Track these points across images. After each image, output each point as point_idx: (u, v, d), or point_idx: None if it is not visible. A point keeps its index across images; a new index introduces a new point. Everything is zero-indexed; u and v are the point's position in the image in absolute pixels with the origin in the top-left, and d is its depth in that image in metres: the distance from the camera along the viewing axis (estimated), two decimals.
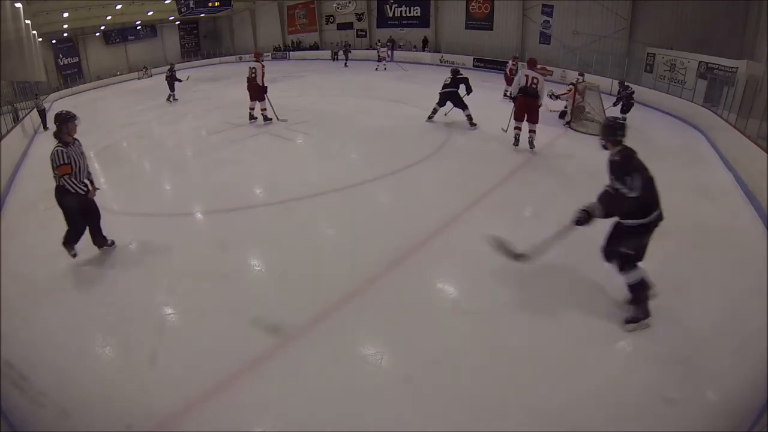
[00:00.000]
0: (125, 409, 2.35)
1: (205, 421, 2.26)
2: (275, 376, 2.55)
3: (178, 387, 2.46)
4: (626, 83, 9.42)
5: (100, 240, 4.05)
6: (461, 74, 8.17)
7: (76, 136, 3.78)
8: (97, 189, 3.99)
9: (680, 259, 3.80)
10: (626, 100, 8.96)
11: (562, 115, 8.74)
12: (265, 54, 25.32)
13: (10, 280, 3.64)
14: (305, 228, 4.52)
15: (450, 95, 8.08)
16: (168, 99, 13.16)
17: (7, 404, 2.35)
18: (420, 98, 10.28)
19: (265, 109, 8.73)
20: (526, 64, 7.58)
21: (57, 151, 3.60)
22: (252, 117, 8.92)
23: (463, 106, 8.04)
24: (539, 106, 6.63)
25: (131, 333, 2.96)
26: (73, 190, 3.70)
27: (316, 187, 5.37)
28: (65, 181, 3.63)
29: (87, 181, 3.86)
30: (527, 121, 6.66)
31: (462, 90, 8.04)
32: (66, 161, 3.61)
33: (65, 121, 3.68)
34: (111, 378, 2.59)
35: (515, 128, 6.83)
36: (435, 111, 8.42)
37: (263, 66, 8.45)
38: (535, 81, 6.47)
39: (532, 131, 6.69)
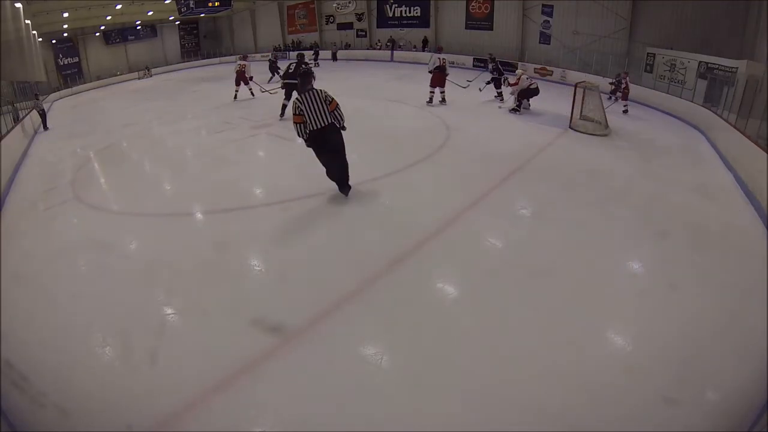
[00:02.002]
0: (125, 409, 2.35)
1: (205, 421, 2.26)
2: (275, 376, 2.55)
3: (178, 387, 2.45)
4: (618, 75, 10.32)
5: None
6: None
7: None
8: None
9: (680, 258, 3.80)
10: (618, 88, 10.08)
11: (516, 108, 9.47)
12: (264, 54, 26.34)
13: (10, 280, 3.64)
14: (305, 228, 4.52)
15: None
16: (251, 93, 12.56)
17: (7, 404, 2.35)
18: (420, 98, 10.28)
19: (251, 88, 12.07)
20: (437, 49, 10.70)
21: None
22: (235, 97, 12.07)
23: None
24: (446, 76, 9.92)
25: (131, 333, 2.96)
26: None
27: (316, 187, 5.36)
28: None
29: None
30: (438, 86, 9.90)
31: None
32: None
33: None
34: (111, 378, 2.59)
35: (430, 92, 10.01)
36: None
37: (248, 64, 12.15)
38: (443, 61, 9.67)
39: (442, 92, 10.05)
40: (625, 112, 9.86)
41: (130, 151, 8.48)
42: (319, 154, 4.60)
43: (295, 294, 3.36)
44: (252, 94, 12.14)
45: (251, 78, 11.90)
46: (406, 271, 3.58)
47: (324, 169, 4.88)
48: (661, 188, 5.39)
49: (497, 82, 10.59)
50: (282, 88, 9.46)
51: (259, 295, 3.41)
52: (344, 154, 4.62)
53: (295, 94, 6.13)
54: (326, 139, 4.42)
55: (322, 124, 4.35)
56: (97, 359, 2.79)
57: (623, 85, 10.02)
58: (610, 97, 10.29)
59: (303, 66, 13.77)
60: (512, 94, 9.68)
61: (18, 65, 12.98)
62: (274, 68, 15.17)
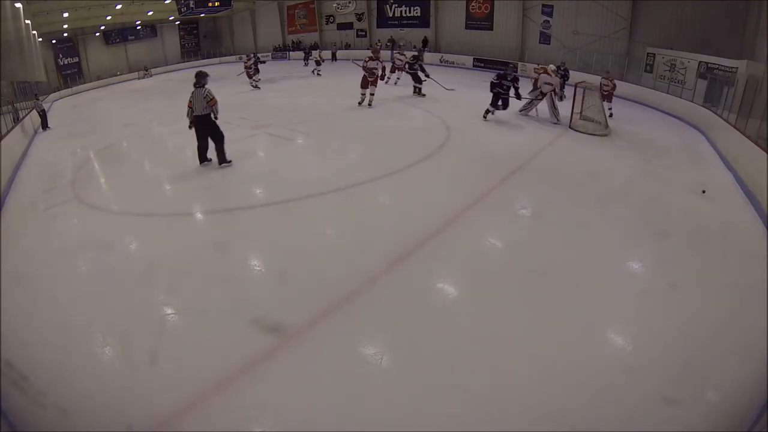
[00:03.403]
0: (125, 409, 2.35)
1: (205, 421, 2.25)
2: (275, 376, 2.54)
3: (178, 387, 2.45)
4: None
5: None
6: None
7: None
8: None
9: (680, 258, 3.80)
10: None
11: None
12: (264, 54, 26.77)
13: (10, 280, 3.64)
14: (305, 228, 4.52)
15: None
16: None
17: (7, 404, 2.35)
18: (420, 98, 10.28)
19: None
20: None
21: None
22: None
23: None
24: (375, 78, 10.01)
25: (131, 333, 2.96)
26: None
27: (316, 187, 5.36)
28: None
29: None
30: (363, 87, 10.00)
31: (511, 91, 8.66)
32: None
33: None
34: (111, 378, 2.59)
35: (361, 93, 10.10)
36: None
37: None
38: (368, 60, 9.96)
39: (371, 94, 10.08)
40: (611, 116, 9.00)
41: (130, 151, 8.48)
42: (196, 134, 6.15)
43: (295, 294, 3.36)
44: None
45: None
46: (406, 271, 3.58)
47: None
48: (661, 188, 5.39)
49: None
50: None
51: (259, 295, 3.41)
52: (216, 137, 6.12)
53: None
54: (201, 124, 5.96)
55: (200, 113, 5.85)
56: (97, 359, 2.79)
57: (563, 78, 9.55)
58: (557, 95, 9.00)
59: (258, 63, 15.37)
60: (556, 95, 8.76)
61: (18, 65, 12.98)
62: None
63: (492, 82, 8.59)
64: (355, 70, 18.48)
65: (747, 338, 2.75)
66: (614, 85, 9.39)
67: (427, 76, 11.23)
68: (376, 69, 9.99)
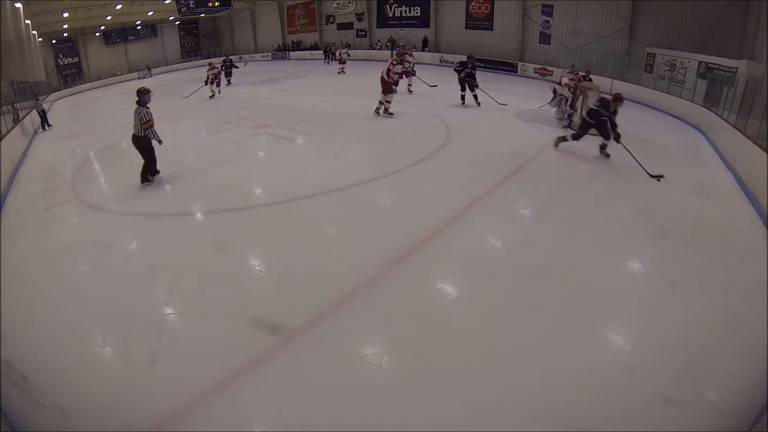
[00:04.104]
0: (126, 409, 2.35)
1: (205, 421, 2.26)
2: (275, 376, 2.55)
3: (179, 387, 2.45)
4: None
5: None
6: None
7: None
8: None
9: (680, 258, 3.80)
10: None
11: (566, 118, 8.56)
12: (264, 54, 27.94)
13: (10, 280, 3.64)
14: (305, 228, 4.52)
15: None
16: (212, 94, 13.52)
17: (7, 404, 2.35)
18: (420, 98, 10.28)
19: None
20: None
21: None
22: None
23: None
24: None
25: (131, 333, 2.96)
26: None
27: (316, 187, 5.37)
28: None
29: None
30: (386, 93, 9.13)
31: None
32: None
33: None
34: (111, 378, 2.59)
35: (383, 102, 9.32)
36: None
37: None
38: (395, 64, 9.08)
39: (387, 101, 9.11)
40: (567, 126, 8.26)
41: (130, 151, 8.42)
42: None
43: (295, 294, 3.36)
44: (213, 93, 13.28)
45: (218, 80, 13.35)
46: (406, 271, 3.58)
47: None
48: (661, 188, 5.39)
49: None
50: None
51: (259, 295, 3.41)
52: (145, 155, 5.86)
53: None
54: (136, 143, 5.75)
55: (136, 133, 5.65)
56: (97, 359, 2.79)
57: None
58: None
59: (230, 67, 15.00)
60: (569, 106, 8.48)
61: (18, 65, 13.00)
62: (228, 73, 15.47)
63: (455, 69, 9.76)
64: (355, 70, 18.57)
65: (747, 338, 2.75)
66: (580, 78, 8.95)
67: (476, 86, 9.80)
68: (398, 74, 9.00)
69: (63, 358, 2.75)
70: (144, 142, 5.65)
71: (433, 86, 11.68)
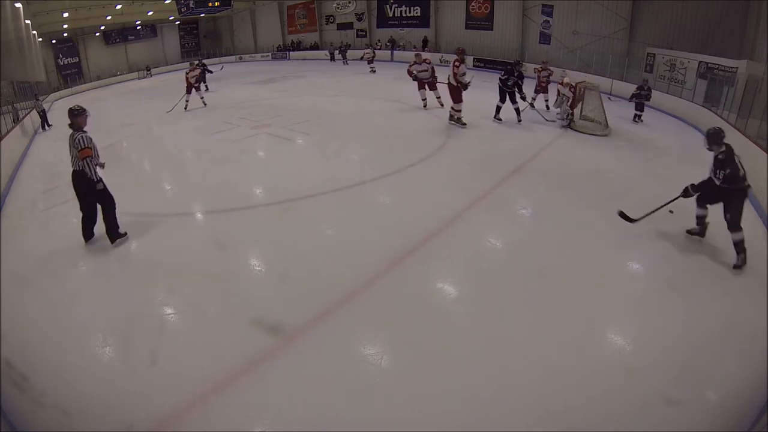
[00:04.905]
0: (126, 409, 2.34)
1: (205, 421, 2.26)
2: (275, 376, 2.55)
3: (179, 387, 2.45)
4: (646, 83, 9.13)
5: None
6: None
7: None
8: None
9: (680, 258, 3.79)
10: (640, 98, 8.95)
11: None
12: (264, 54, 28.04)
13: (10, 280, 3.64)
14: (305, 228, 4.52)
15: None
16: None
17: (7, 404, 2.35)
18: (420, 98, 10.25)
19: (202, 97, 11.96)
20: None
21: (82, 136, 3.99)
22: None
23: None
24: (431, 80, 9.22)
25: (131, 333, 2.96)
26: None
27: (316, 187, 5.37)
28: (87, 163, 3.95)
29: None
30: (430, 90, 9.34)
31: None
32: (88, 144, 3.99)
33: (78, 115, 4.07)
34: (111, 378, 2.59)
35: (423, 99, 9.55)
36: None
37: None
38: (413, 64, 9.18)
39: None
40: (547, 108, 9.08)
41: (130, 151, 8.48)
42: (77, 195, 4.15)
43: (295, 294, 3.36)
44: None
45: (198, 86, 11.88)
46: (406, 271, 3.58)
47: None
48: (661, 188, 5.38)
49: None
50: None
51: (259, 295, 3.41)
52: (102, 202, 4.14)
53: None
54: (78, 182, 4.04)
55: (75, 168, 4.02)
56: (97, 359, 2.79)
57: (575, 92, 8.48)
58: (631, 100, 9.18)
59: (204, 72, 13.47)
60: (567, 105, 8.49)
61: (18, 65, 13.00)
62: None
63: (500, 79, 8.38)
64: (355, 70, 18.58)
65: (747, 338, 2.75)
66: (551, 72, 9.50)
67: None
68: (427, 71, 8.92)
69: (63, 358, 2.75)
70: (87, 180, 4.00)
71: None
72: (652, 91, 9.27)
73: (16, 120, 10.40)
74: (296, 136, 8.14)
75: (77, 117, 4.04)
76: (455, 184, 5.54)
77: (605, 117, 8.18)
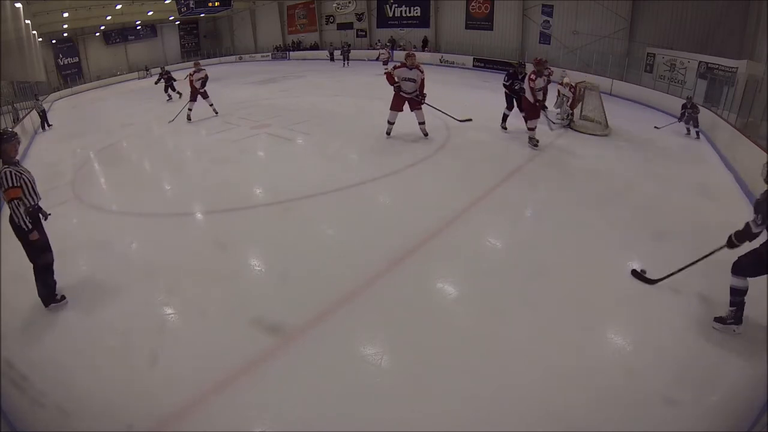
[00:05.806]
0: (126, 409, 2.35)
1: (205, 421, 2.26)
2: (275, 376, 2.55)
3: (179, 387, 2.46)
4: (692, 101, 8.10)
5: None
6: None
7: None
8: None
9: (680, 258, 3.78)
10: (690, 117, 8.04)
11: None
12: (264, 54, 28.01)
13: (10, 280, 3.63)
14: (305, 228, 4.52)
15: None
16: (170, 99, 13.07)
17: (7, 404, 2.35)
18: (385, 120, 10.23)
19: (212, 104, 10.24)
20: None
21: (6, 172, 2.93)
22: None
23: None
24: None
25: (131, 333, 2.96)
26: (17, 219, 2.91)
27: (316, 187, 5.37)
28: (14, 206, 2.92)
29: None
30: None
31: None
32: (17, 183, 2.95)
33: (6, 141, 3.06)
34: (111, 378, 2.59)
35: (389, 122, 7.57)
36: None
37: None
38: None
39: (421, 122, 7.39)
40: (567, 125, 8.24)
41: (130, 151, 8.48)
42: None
43: (295, 294, 3.36)
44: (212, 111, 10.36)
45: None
46: (406, 271, 3.58)
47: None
48: (661, 188, 5.39)
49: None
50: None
51: (259, 295, 3.41)
52: (30, 256, 3.22)
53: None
54: (16, 233, 3.13)
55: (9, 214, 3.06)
56: (97, 359, 2.78)
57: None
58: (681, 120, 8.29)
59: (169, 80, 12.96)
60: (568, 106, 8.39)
61: (18, 65, 13.00)
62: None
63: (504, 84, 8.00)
64: (355, 70, 18.58)
65: (747, 338, 2.75)
66: (551, 71, 8.21)
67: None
68: (414, 83, 7.19)
69: (63, 358, 2.75)
70: (19, 229, 3.10)
71: (466, 121, 8.35)
72: (696, 105, 8.09)
73: (16, 120, 10.41)
74: (296, 136, 8.15)
75: (3, 144, 3.01)
76: (455, 184, 5.54)
77: (605, 117, 8.19)
